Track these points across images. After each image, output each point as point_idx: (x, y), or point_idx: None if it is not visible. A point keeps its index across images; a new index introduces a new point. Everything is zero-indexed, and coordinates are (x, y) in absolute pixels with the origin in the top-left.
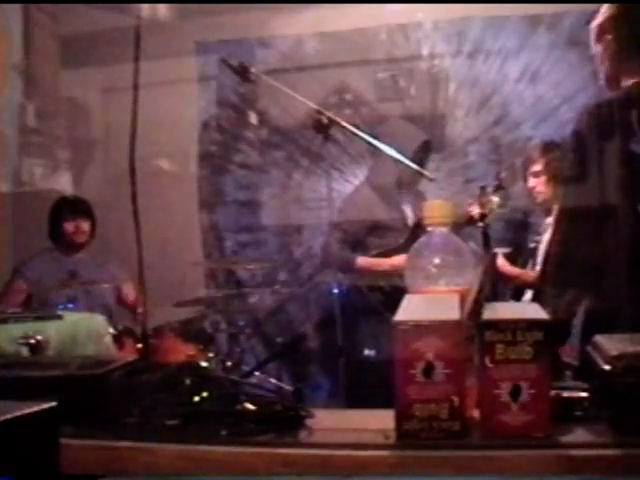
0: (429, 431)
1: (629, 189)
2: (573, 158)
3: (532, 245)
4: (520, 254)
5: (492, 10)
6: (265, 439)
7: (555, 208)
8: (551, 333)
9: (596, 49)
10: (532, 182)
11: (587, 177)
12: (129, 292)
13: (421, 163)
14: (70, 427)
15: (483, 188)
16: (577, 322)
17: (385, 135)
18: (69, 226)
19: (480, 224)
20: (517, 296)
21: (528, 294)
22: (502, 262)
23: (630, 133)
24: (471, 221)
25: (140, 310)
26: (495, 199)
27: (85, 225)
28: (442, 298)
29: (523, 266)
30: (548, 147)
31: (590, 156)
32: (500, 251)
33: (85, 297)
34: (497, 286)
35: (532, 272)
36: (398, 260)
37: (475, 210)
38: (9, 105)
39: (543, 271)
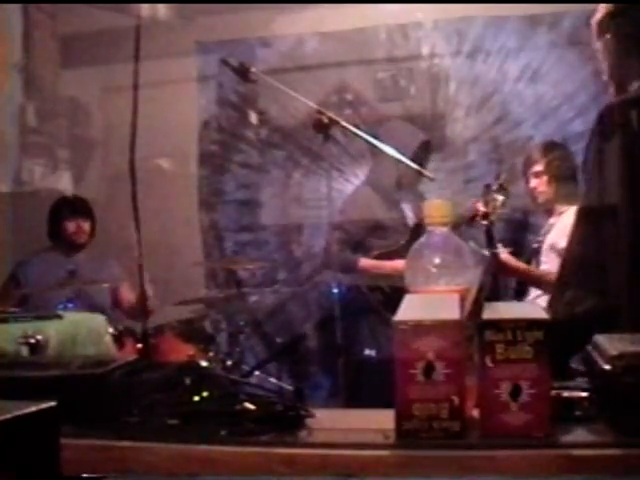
0: (429, 431)
1: None
2: (592, 158)
3: (535, 245)
4: (520, 254)
5: (492, 10)
6: (265, 439)
7: (557, 207)
8: (551, 333)
9: (597, 46)
10: (533, 182)
11: (605, 177)
12: (126, 293)
13: (421, 164)
14: (70, 427)
15: (488, 186)
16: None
17: (385, 135)
18: (70, 226)
19: (484, 222)
20: (520, 295)
21: (532, 294)
22: (507, 257)
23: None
24: (474, 220)
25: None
26: (500, 197)
27: (86, 225)
28: (442, 298)
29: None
30: (549, 147)
31: (608, 156)
32: (499, 250)
33: (81, 297)
34: (499, 285)
35: (539, 270)
36: (400, 264)
37: (481, 208)
38: (9, 105)
39: (561, 273)
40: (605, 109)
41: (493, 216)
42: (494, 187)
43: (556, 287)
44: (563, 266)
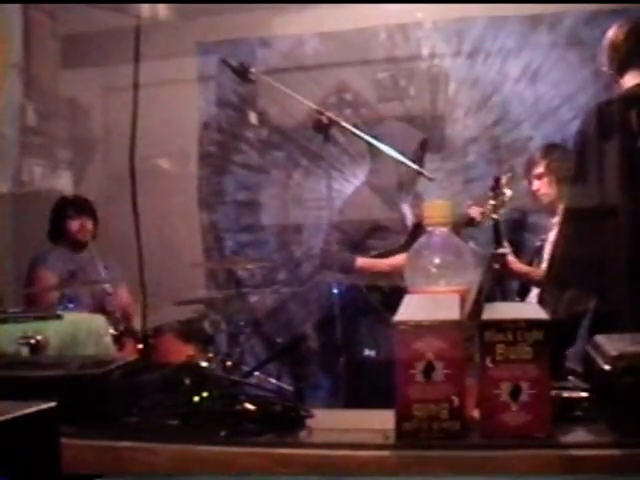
0: (429, 431)
1: (636, 189)
2: (578, 158)
3: (538, 244)
4: (521, 253)
5: (492, 10)
6: (265, 439)
7: (560, 208)
8: (551, 333)
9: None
10: (536, 185)
11: (592, 177)
12: (122, 295)
13: (419, 162)
14: (70, 427)
15: (497, 180)
16: (584, 325)
17: (383, 136)
18: (74, 224)
19: (494, 216)
20: (523, 294)
21: (534, 292)
22: (512, 259)
23: (634, 133)
24: (470, 224)
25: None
26: (508, 192)
27: (89, 224)
28: (442, 298)
29: (528, 265)
30: (550, 148)
31: (595, 156)
32: (504, 251)
33: (84, 297)
34: (504, 285)
35: (540, 270)
36: (396, 260)
37: (475, 211)
38: (9, 105)
39: (548, 271)
40: (594, 109)
41: (502, 210)
42: (503, 180)
43: (545, 284)
44: (551, 264)
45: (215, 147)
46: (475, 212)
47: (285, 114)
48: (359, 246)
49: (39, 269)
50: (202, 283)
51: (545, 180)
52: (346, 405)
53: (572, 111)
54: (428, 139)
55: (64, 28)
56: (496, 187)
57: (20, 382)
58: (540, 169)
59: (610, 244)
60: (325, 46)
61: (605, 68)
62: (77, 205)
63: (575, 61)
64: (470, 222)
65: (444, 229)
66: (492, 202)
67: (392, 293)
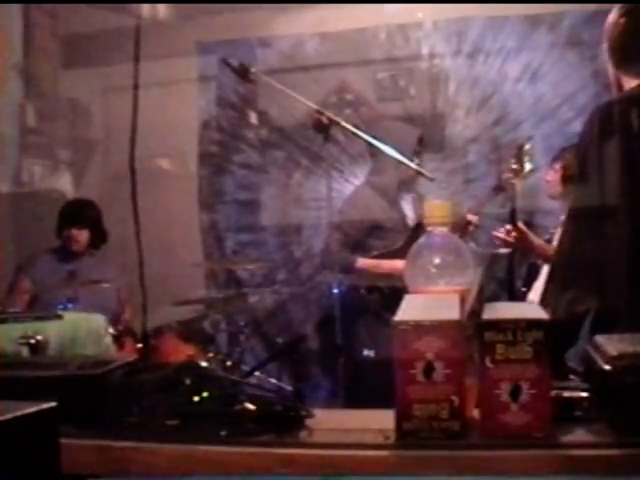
0: (429, 431)
1: (637, 189)
2: (580, 159)
3: (547, 237)
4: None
5: (492, 10)
6: (265, 439)
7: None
8: (551, 333)
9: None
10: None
11: (594, 177)
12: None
13: (418, 159)
14: (70, 427)
15: (520, 148)
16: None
17: (383, 136)
18: (66, 233)
19: (514, 181)
20: (530, 281)
21: (539, 282)
22: (526, 230)
23: (636, 133)
24: (466, 229)
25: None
26: (528, 165)
27: (81, 234)
28: (442, 298)
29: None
30: (567, 150)
31: (597, 157)
32: (505, 251)
33: (88, 298)
34: (512, 273)
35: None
36: (399, 263)
37: (472, 217)
38: (9, 105)
39: (551, 270)
40: (597, 109)
41: (521, 178)
42: (526, 147)
43: (547, 283)
44: (553, 262)
45: (215, 147)
46: (472, 217)
47: (285, 114)
48: (360, 246)
49: (16, 274)
50: (202, 283)
51: (558, 177)
52: (346, 405)
53: (572, 111)
54: (424, 134)
55: (64, 28)
56: (519, 153)
57: (20, 382)
58: (557, 166)
59: (611, 244)
60: (325, 46)
61: (606, 65)
62: (73, 214)
63: (575, 61)
64: (466, 228)
65: (444, 229)
66: (514, 166)
67: (392, 293)
